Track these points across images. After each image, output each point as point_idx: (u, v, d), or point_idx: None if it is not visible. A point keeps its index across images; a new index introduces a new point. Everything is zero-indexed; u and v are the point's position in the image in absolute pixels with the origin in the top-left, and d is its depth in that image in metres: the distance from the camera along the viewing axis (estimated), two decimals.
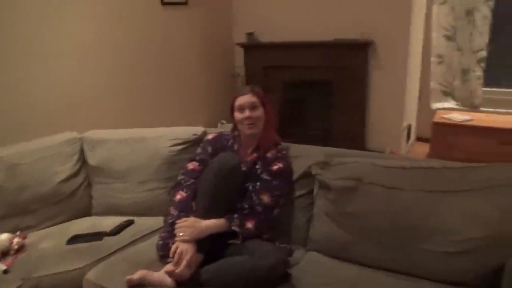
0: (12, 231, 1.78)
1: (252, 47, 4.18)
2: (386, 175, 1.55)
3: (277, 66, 4.13)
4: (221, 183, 1.52)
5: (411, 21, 3.39)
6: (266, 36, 4.11)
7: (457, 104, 4.06)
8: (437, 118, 3.55)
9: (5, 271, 1.57)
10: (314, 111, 4.21)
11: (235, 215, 1.54)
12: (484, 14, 3.71)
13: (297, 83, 4.12)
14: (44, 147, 2.06)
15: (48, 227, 1.95)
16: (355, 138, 3.79)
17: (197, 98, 4.04)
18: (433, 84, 4.12)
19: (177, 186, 1.68)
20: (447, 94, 4.11)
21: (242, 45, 4.18)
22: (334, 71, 3.80)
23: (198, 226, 1.47)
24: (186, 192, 1.63)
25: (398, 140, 3.66)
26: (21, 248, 1.73)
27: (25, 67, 2.44)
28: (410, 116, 4.01)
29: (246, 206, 1.58)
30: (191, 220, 1.48)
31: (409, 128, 3.94)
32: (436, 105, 4.13)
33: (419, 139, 4.32)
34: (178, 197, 1.63)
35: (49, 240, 1.79)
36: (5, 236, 1.72)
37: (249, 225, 1.53)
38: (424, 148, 3.92)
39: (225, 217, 1.52)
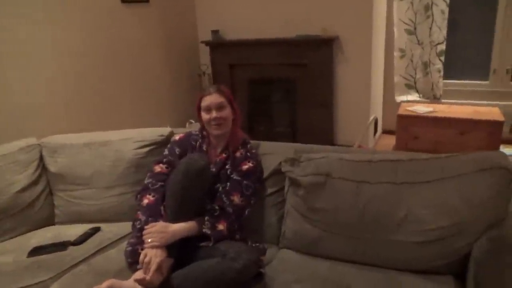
0: None
1: (218, 45, 4.13)
2: (353, 169, 1.57)
3: (243, 64, 4.11)
4: (189, 185, 1.48)
5: (373, 16, 3.46)
6: (231, 34, 4.08)
7: (419, 97, 4.19)
8: (401, 111, 3.64)
9: None
10: (281, 108, 4.22)
11: (206, 218, 1.51)
12: (441, 8, 3.84)
13: (263, 80, 4.11)
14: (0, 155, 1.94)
15: (7, 240, 1.84)
16: (323, 134, 3.84)
17: (164, 98, 3.96)
18: (396, 78, 4.23)
19: (144, 190, 1.63)
20: (410, 87, 4.23)
21: (207, 43, 4.13)
22: (299, 68, 3.82)
23: (167, 231, 1.43)
24: (153, 196, 1.58)
25: (366, 133, 3.73)
26: None
27: None
28: (376, 110, 4.10)
29: (217, 207, 1.56)
30: (159, 225, 1.44)
31: (375, 121, 4.03)
32: (400, 98, 4.24)
33: (385, 131, 4.42)
34: (145, 201, 1.58)
35: (8, 254, 1.68)
36: None
37: (221, 227, 1.51)
38: (390, 141, 4.01)
39: (195, 220, 1.49)
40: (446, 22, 3.88)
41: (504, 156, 1.43)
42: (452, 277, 1.40)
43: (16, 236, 1.87)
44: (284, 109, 4.17)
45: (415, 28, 4.03)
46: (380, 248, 1.49)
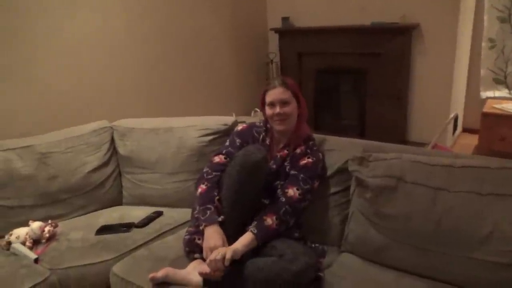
0: (44, 220, 1.80)
1: (287, 33, 4.03)
2: (430, 173, 1.40)
3: (312, 52, 3.97)
4: (246, 177, 1.43)
5: (461, 1, 3.11)
6: (301, 21, 3.95)
7: (510, 93, 3.74)
8: (487, 108, 3.28)
9: (36, 260, 1.58)
10: (350, 100, 4.02)
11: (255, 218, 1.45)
12: None
13: (332, 70, 3.95)
14: (74, 136, 2.06)
15: (79, 216, 1.96)
16: (394, 129, 3.59)
17: (230, 86, 3.97)
18: (483, 71, 3.82)
19: (200, 180, 1.60)
20: (499, 81, 3.80)
21: (277, 31, 4.04)
22: (372, 58, 3.59)
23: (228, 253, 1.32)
24: (206, 185, 1.55)
25: (444, 132, 3.41)
26: (52, 237, 1.74)
27: (55, 59, 2.45)
28: (457, 106, 3.74)
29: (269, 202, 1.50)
30: (222, 253, 1.32)
31: (455, 118, 3.68)
32: (486, 93, 3.84)
33: (466, 130, 4.05)
34: (199, 190, 1.56)
35: (78, 230, 1.79)
36: (36, 224, 1.73)
37: (269, 221, 1.42)
38: (472, 141, 3.66)
39: (249, 230, 1.41)
40: None
41: None
42: None
43: (86, 214, 1.98)
44: (353, 101, 3.97)
45: (509, 15, 3.58)
46: (455, 265, 1.32)
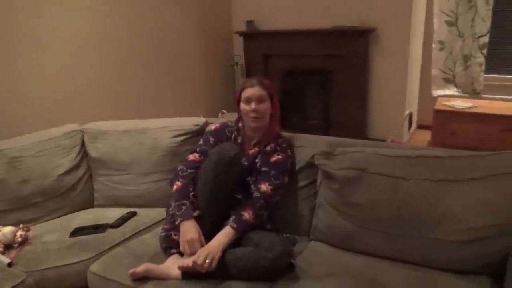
0: (15, 224, 1.78)
1: (252, 36, 4.13)
2: (390, 164, 1.54)
3: (276, 54, 4.09)
4: (221, 173, 1.50)
5: (412, 7, 3.35)
6: (265, 24, 4.06)
7: (458, 91, 4.04)
8: (438, 105, 3.53)
9: (9, 264, 1.57)
10: (314, 100, 4.18)
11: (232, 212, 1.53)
12: None
13: (297, 71, 4.09)
14: (45, 139, 2.05)
15: (51, 219, 1.95)
16: (356, 127, 3.78)
17: (198, 87, 4.01)
18: (434, 71, 4.10)
19: (175, 177, 1.66)
20: (449, 81, 4.09)
21: (241, 34, 4.13)
22: (334, 59, 3.76)
23: (217, 251, 1.40)
24: (181, 182, 1.60)
25: (400, 128, 3.64)
26: (24, 241, 1.72)
27: (21, 60, 2.41)
28: (412, 104, 3.99)
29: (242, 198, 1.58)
30: (209, 248, 1.40)
31: (410, 115, 3.93)
32: (437, 92, 4.11)
33: (420, 126, 4.31)
34: (174, 187, 1.61)
35: (52, 233, 1.78)
36: (8, 229, 1.71)
37: (246, 215, 1.51)
38: (425, 136, 3.91)
39: (228, 224, 1.49)
40: (490, 13, 3.71)
41: None
42: (489, 278, 1.36)
43: (60, 216, 1.97)
44: (318, 102, 4.13)
45: (456, 20, 3.88)
46: (417, 246, 1.46)
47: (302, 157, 1.76)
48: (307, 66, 3.98)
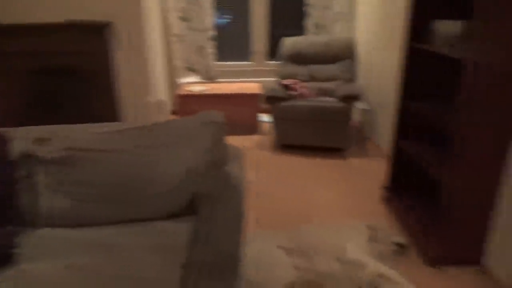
0: None
1: None
2: (101, 140, 1.71)
3: (17, 52, 3.70)
4: None
5: (141, 3, 3.63)
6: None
7: (198, 78, 4.65)
8: (181, 91, 3.99)
9: None
10: (67, 98, 4.01)
11: None
12: None
13: (44, 70, 3.81)
14: None
15: None
16: (110, 120, 3.85)
17: None
18: (177, 62, 4.57)
19: None
20: (190, 69, 4.64)
21: None
22: (78, 55, 3.69)
23: None
24: None
25: (151, 115, 3.93)
26: None
27: None
28: (162, 92, 4.35)
29: None
30: None
31: (161, 103, 4.28)
32: (182, 80, 4.61)
33: (174, 112, 4.75)
34: None
35: None
36: None
37: None
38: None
39: None
40: (212, 9, 4.39)
41: (218, 114, 1.83)
42: (193, 217, 1.71)
43: None
44: (70, 99, 3.97)
45: (187, 15, 4.42)
46: (137, 205, 1.68)
47: (17, 148, 1.73)
48: (53, 64, 3.77)
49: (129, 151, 1.71)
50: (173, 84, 4.65)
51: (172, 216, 1.71)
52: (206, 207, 1.64)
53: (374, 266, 2.04)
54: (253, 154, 3.68)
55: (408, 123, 2.53)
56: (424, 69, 2.40)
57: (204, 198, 1.67)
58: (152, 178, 1.69)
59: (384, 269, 2.02)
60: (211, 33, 4.47)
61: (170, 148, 1.72)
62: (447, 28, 2.09)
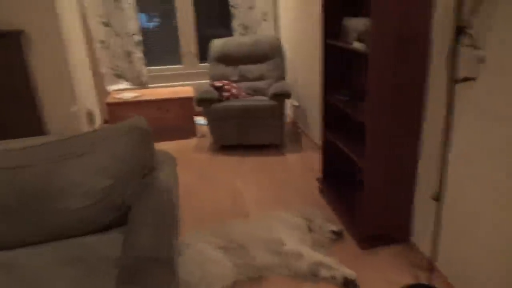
0: None
1: None
2: (8, 157, 1.59)
3: None
4: None
5: (57, 9, 3.43)
6: None
7: (129, 84, 4.50)
8: (109, 99, 3.83)
9: None
10: None
11: None
12: (129, 1, 4.18)
13: None
14: None
15: None
16: (34, 132, 3.60)
17: None
18: (104, 69, 4.38)
19: None
20: (119, 76, 4.47)
21: None
22: None
23: None
24: None
25: (79, 125, 3.73)
26: None
27: None
28: (90, 101, 4.14)
29: None
30: None
31: (90, 112, 4.08)
32: (111, 87, 4.43)
33: (107, 121, 4.55)
34: None
35: None
36: None
37: None
38: None
39: None
40: (136, 13, 4.26)
41: (141, 119, 1.77)
42: (118, 229, 1.65)
43: None
44: None
45: (110, 20, 4.25)
46: (45, 222, 1.56)
47: None
48: None
49: (37, 166, 1.60)
50: (102, 92, 4.45)
51: (106, 228, 1.64)
52: (135, 215, 1.60)
53: (312, 255, 2.10)
54: (190, 157, 3.64)
55: (332, 115, 2.65)
56: (340, 63, 2.52)
57: (132, 207, 1.62)
58: (63, 189, 1.59)
59: (321, 256, 2.09)
60: (138, 37, 4.34)
61: (85, 157, 1.64)
62: (355, 24, 2.21)
